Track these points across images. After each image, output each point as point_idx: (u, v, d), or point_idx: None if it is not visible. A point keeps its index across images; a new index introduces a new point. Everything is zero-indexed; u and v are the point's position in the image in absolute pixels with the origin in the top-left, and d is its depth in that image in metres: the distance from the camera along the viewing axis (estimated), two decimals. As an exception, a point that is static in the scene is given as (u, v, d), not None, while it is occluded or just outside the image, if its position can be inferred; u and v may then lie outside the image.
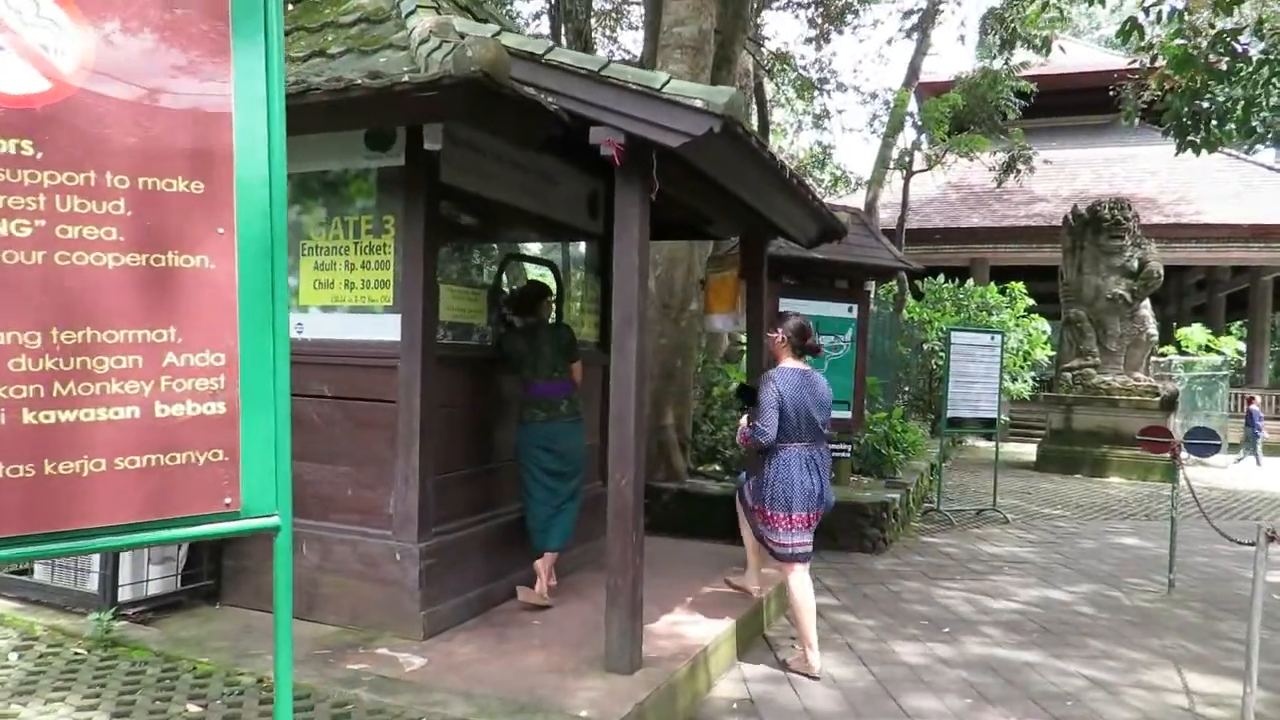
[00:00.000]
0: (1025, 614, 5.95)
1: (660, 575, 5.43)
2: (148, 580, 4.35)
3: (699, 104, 3.39)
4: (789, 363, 4.59)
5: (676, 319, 8.26)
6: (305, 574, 4.45)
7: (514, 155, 5.03)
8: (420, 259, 4.25)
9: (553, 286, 5.45)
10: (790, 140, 26.06)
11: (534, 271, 5.65)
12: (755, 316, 5.78)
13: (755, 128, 18.87)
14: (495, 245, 5.00)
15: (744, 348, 10.37)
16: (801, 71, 18.68)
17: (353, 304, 4.45)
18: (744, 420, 4.69)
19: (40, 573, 4.52)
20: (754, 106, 18.02)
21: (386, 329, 4.35)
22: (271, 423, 1.90)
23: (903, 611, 5.87)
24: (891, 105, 17.14)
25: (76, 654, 3.73)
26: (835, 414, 8.44)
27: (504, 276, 5.46)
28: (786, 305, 8.16)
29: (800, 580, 4.53)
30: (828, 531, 7.50)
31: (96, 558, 4.20)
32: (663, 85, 3.47)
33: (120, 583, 4.23)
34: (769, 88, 19.90)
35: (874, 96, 18.32)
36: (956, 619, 5.76)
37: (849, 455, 8.52)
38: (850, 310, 8.43)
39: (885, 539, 7.63)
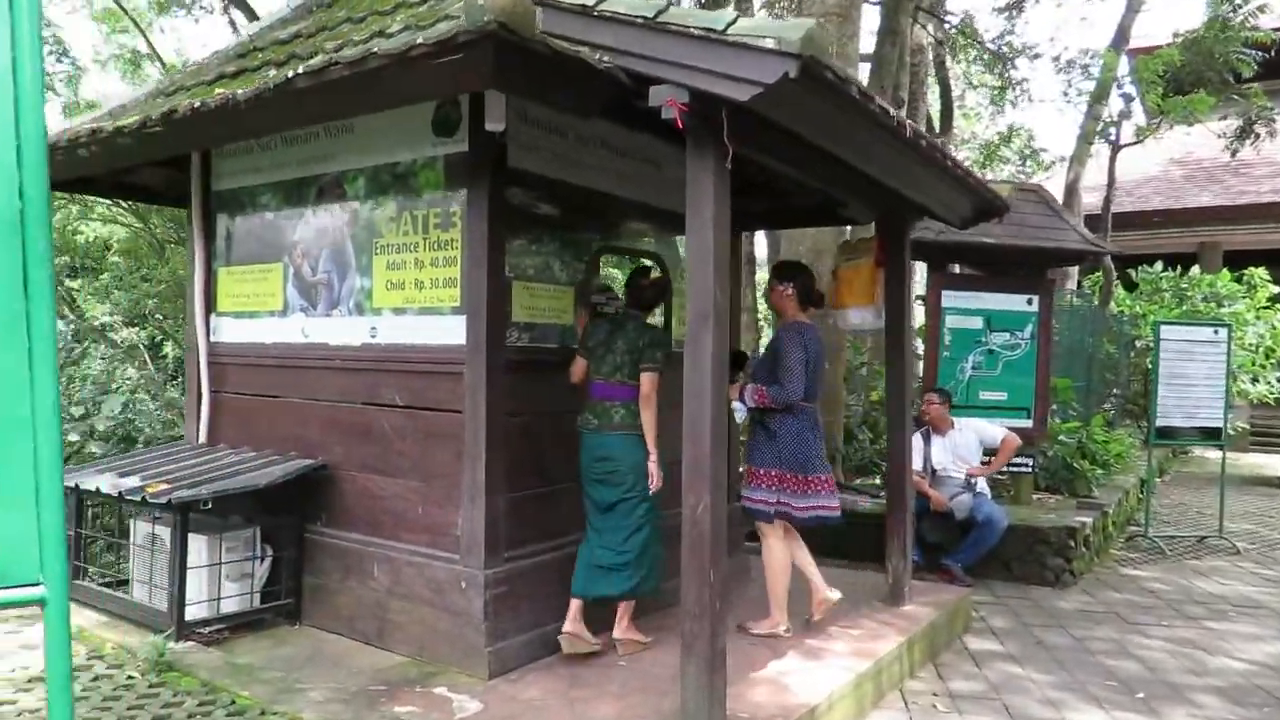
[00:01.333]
0: (1256, 678, 4.73)
1: (792, 609, 4.72)
2: (220, 598, 4.17)
3: (769, 44, 2.71)
4: (800, 317, 4.44)
5: (822, 317, 7.43)
6: (376, 597, 4.13)
7: (607, 136, 4.51)
8: (484, 253, 3.81)
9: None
10: (986, 125, 24.03)
11: (632, 266, 5.10)
12: (897, 310, 4.94)
13: (938, 111, 17.40)
14: (584, 237, 4.50)
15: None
16: (989, 45, 17.00)
17: (422, 305, 4.09)
18: (736, 390, 4.34)
19: (138, 590, 4.47)
20: (931, 88, 16.61)
21: (453, 331, 3.95)
22: (28, 459, 1.39)
23: (1087, 666, 4.82)
24: (1098, 71, 15.25)
25: (128, 679, 3.57)
26: (1012, 422, 7.39)
27: (595, 271, 4.95)
28: (952, 297, 7.19)
29: (781, 546, 4.43)
30: (999, 559, 6.46)
31: (166, 572, 4.06)
32: (727, 26, 2.82)
33: (191, 600, 4.07)
34: (953, 69, 18.33)
35: (1072, 65, 16.36)
36: (1158, 680, 4.64)
37: (1031, 470, 7.36)
38: (1030, 302, 7.28)
39: (1073, 570, 6.46)
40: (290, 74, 3.19)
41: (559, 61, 2.96)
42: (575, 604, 3.92)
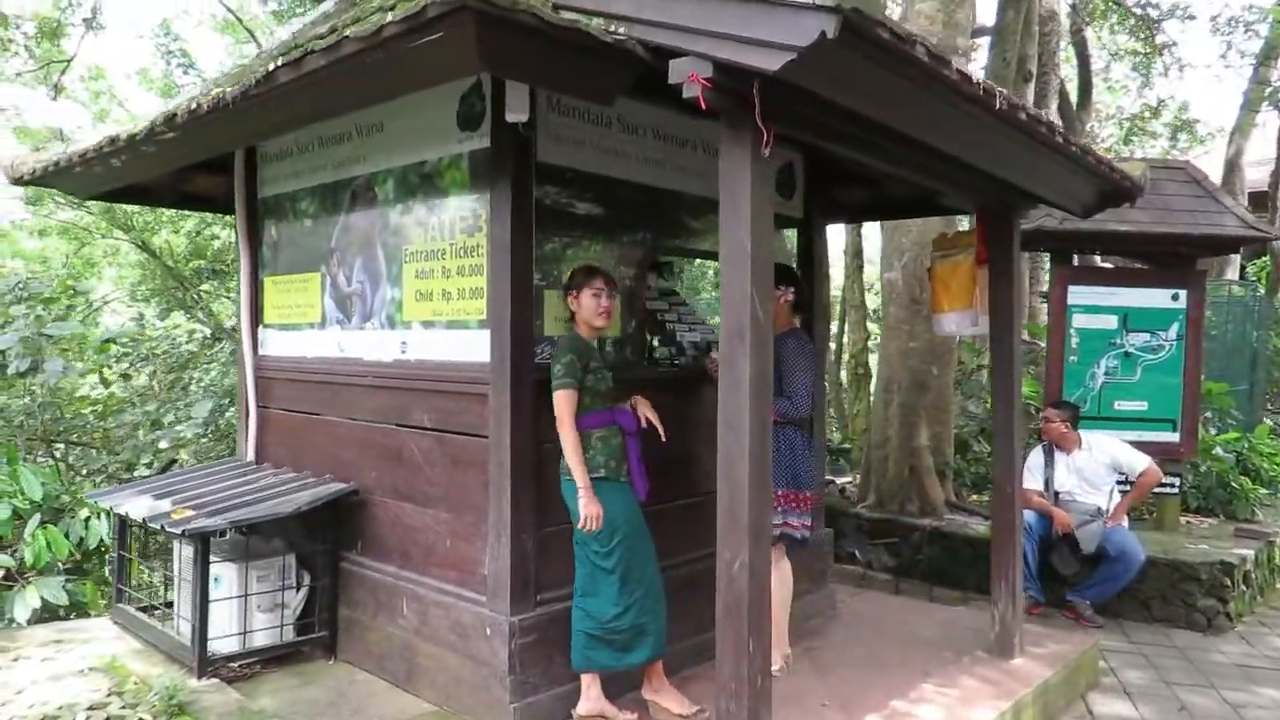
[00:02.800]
0: None
1: (870, 653, 4.12)
2: (247, 631, 3.92)
3: (801, -3, 2.16)
4: (794, 323, 4.07)
5: (930, 317, 6.69)
6: (404, 637, 3.79)
7: (661, 125, 4.03)
8: (507, 259, 3.39)
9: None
10: (1133, 98, 22.01)
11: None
12: (1003, 315, 4.22)
13: (1076, 85, 15.92)
14: (634, 238, 4.01)
15: (1025, 345, 8.41)
16: (1133, 8, 15.41)
17: (450, 318, 3.71)
18: None
19: (182, 619, 4.29)
20: (1068, 59, 15.22)
21: (478, 347, 3.55)
22: None
23: (1243, 740, 4.00)
24: (1266, 29, 13.54)
25: (136, 721, 3.34)
26: (1155, 436, 6.43)
27: (651, 277, 4.46)
28: (1081, 293, 6.33)
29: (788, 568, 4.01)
30: (1137, 596, 5.60)
31: (188, 604, 3.84)
32: (752, -21, 2.28)
33: (219, 634, 3.85)
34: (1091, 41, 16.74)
35: (1233, 23, 14.59)
36: (1337, 765, 3.79)
37: (1177, 490, 6.39)
38: (1175, 298, 6.32)
39: (1229, 613, 5.51)
40: (271, 67, 2.85)
41: (556, 37, 2.50)
42: (585, 678, 3.44)
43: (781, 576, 3.85)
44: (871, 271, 12.45)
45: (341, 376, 4.25)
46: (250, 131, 3.72)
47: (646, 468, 3.48)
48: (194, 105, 3.25)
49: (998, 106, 2.80)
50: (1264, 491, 7.25)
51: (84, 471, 8.07)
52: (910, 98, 2.70)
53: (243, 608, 3.93)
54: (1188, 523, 6.66)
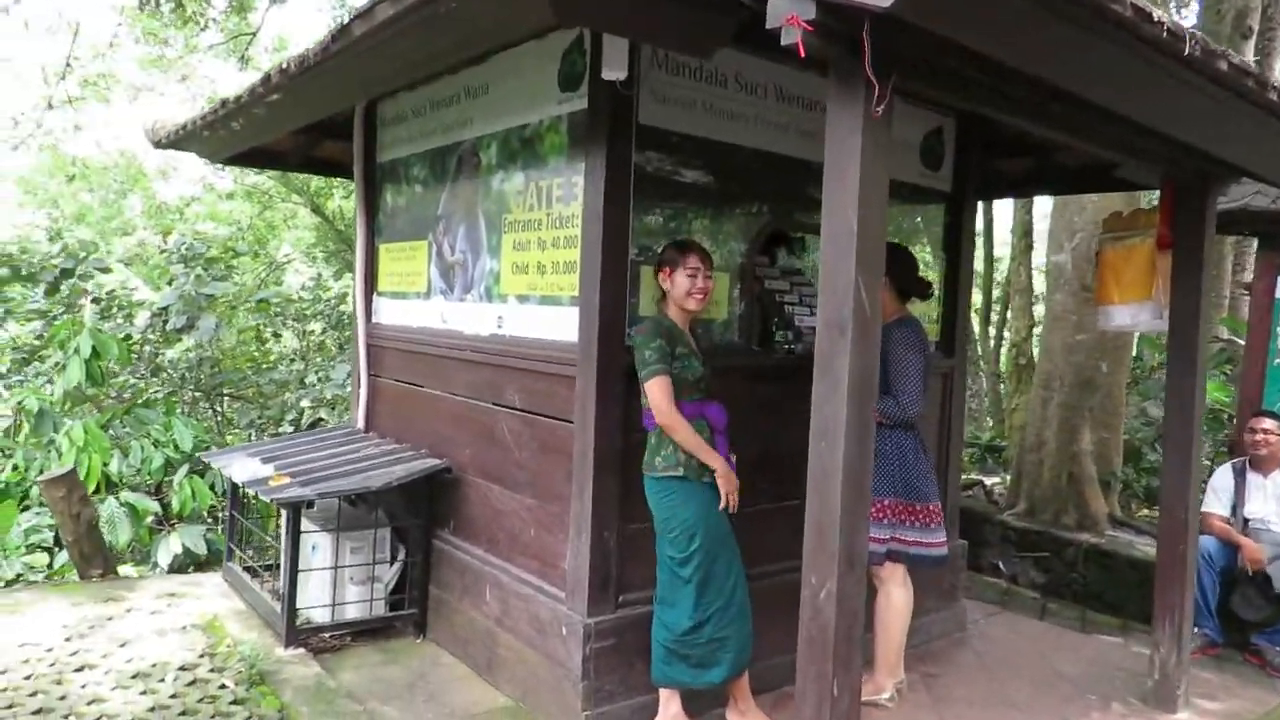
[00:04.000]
0: None
1: (998, 687, 3.63)
2: (336, 604, 3.88)
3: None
4: (902, 312, 3.50)
5: (1078, 306, 5.91)
6: (486, 625, 3.64)
7: (784, 83, 3.62)
8: (599, 230, 3.11)
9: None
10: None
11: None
12: (1188, 308, 3.56)
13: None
14: (748, 210, 3.62)
15: (1222, 343, 7.35)
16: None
17: (544, 293, 3.48)
18: None
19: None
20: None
21: (568, 326, 3.30)
22: None
23: None
24: None
25: (219, 689, 3.34)
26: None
27: (779, 253, 4.06)
28: (1289, 287, 5.38)
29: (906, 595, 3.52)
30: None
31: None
32: (863, -108, 1.86)
33: (310, 604, 3.83)
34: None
35: None
36: None
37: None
38: None
39: None
40: (346, 20, 2.67)
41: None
42: (663, 693, 3.14)
43: (895, 599, 3.41)
44: (1040, 253, 11.38)
45: (443, 348, 4.12)
46: (344, 88, 3.57)
47: (738, 466, 3.13)
48: (284, 65, 3.14)
49: (1187, 53, 2.24)
50: None
51: (240, 425, 8.52)
52: (1069, 42, 2.19)
53: (336, 578, 3.89)
54: None
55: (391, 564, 4.10)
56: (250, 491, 3.95)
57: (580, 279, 3.21)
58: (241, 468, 4.10)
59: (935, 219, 4.44)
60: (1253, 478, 4.92)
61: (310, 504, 3.63)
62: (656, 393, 2.93)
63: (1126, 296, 3.67)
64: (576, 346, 3.21)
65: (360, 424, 4.78)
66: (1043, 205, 10.23)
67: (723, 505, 3.03)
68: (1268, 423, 4.89)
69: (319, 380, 7.97)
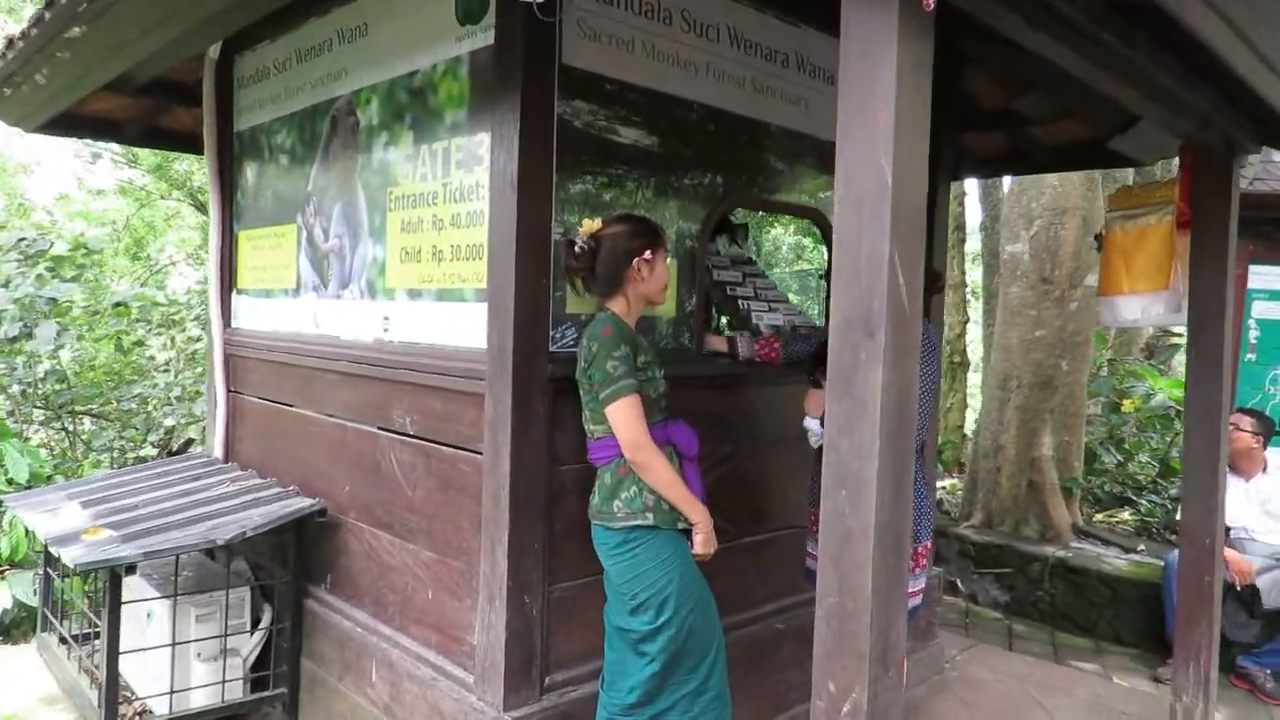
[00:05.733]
0: None
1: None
2: (173, 691, 3.00)
3: None
4: None
5: (1062, 299, 5.44)
6: (373, 715, 2.83)
7: (743, 27, 2.93)
8: (512, 203, 2.35)
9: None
10: None
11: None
12: (1210, 299, 3.03)
13: None
14: (701, 182, 2.92)
15: (1179, 339, 7.06)
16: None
17: (442, 285, 2.70)
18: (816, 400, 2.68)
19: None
20: None
21: (473, 328, 2.53)
22: None
23: None
24: None
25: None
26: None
27: (721, 241, 3.40)
28: (1266, 275, 5.03)
29: None
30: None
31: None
32: None
33: (143, 691, 2.95)
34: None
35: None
36: None
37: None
38: (1391, 284, 4.96)
39: None
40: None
41: None
42: None
43: None
44: (971, 246, 11.09)
45: (317, 359, 3.29)
46: (171, 21, 2.68)
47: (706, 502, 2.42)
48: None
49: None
50: None
51: (96, 447, 7.39)
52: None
53: (175, 656, 3.01)
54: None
55: (252, 632, 3.24)
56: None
57: (488, 267, 2.45)
58: (49, 517, 3.18)
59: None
60: (1233, 482, 4.48)
61: (131, 568, 2.75)
62: (628, 417, 2.18)
63: (1138, 285, 3.11)
64: (485, 354, 2.45)
65: (219, 452, 3.89)
66: (973, 194, 9.89)
67: (696, 548, 2.31)
68: (1241, 419, 4.47)
69: (188, 395, 6.93)
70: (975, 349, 9.58)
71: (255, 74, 3.69)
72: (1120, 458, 6.35)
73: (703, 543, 2.26)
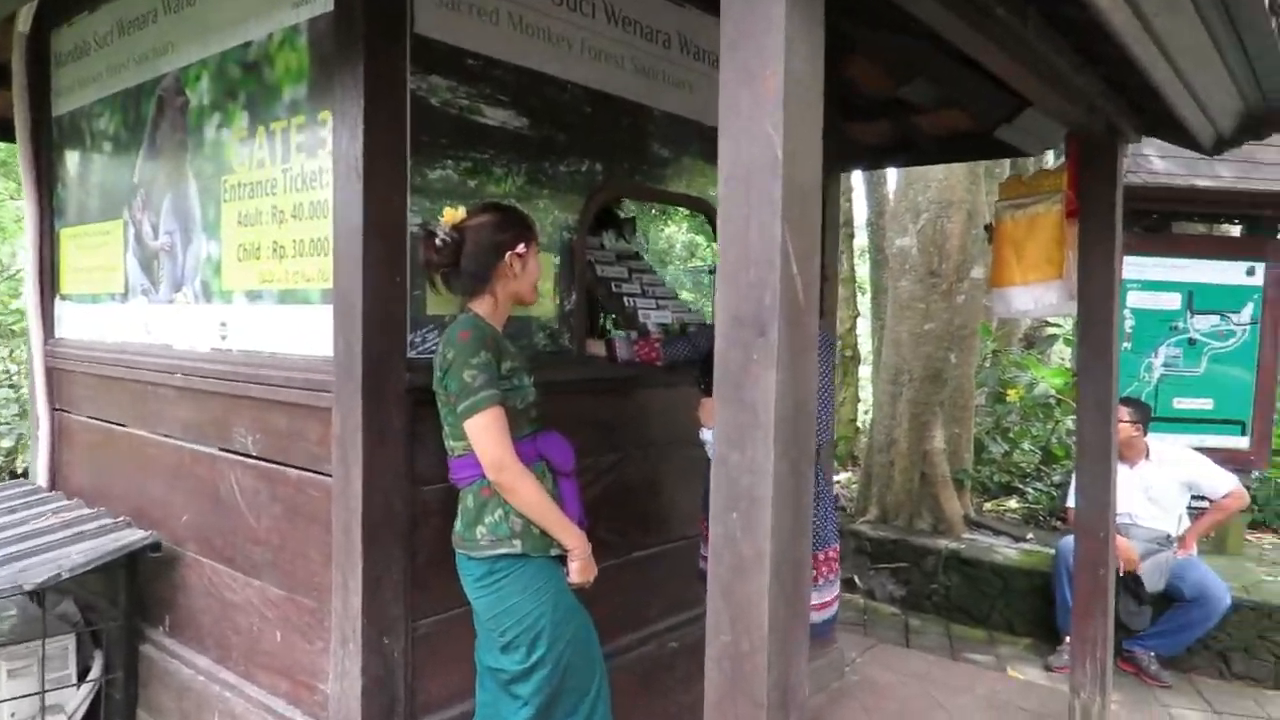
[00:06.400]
0: None
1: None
2: (-24, 762, 2.58)
3: None
4: None
5: (949, 293, 5.46)
6: (216, 775, 2.48)
7: (621, 2, 2.70)
8: (358, 191, 2.06)
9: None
10: None
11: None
12: (1100, 288, 3.00)
13: None
14: (576, 169, 2.69)
15: (1056, 328, 7.25)
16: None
17: (285, 286, 2.38)
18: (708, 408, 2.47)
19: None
20: None
21: (319, 333, 2.23)
22: None
23: None
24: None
25: None
26: (1219, 440, 5.30)
27: (606, 236, 3.19)
28: (1139, 266, 5.15)
29: None
30: (1209, 648, 4.47)
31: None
32: None
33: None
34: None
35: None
36: None
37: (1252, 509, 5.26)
38: (1251, 273, 5.15)
39: (1327, 668, 4.39)
40: None
41: None
42: None
43: None
44: (859, 241, 11.23)
45: (149, 371, 2.90)
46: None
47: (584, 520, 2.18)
48: None
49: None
50: (1329, 502, 6.15)
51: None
52: None
53: (-21, 723, 2.59)
54: (1252, 539, 5.55)
55: (80, 684, 2.83)
56: None
57: (334, 264, 2.15)
58: None
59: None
60: (1119, 469, 4.56)
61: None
62: (489, 433, 1.91)
63: (1030, 276, 3.04)
64: (331, 363, 2.15)
65: (43, 479, 3.43)
66: (859, 189, 9.99)
67: (573, 578, 2.06)
68: (1124, 411, 4.54)
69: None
70: (866, 343, 9.66)
71: (74, 50, 3.26)
72: (1006, 447, 6.45)
73: (579, 570, 2.02)
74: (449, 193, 2.29)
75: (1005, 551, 5.21)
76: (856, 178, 9.92)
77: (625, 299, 3.09)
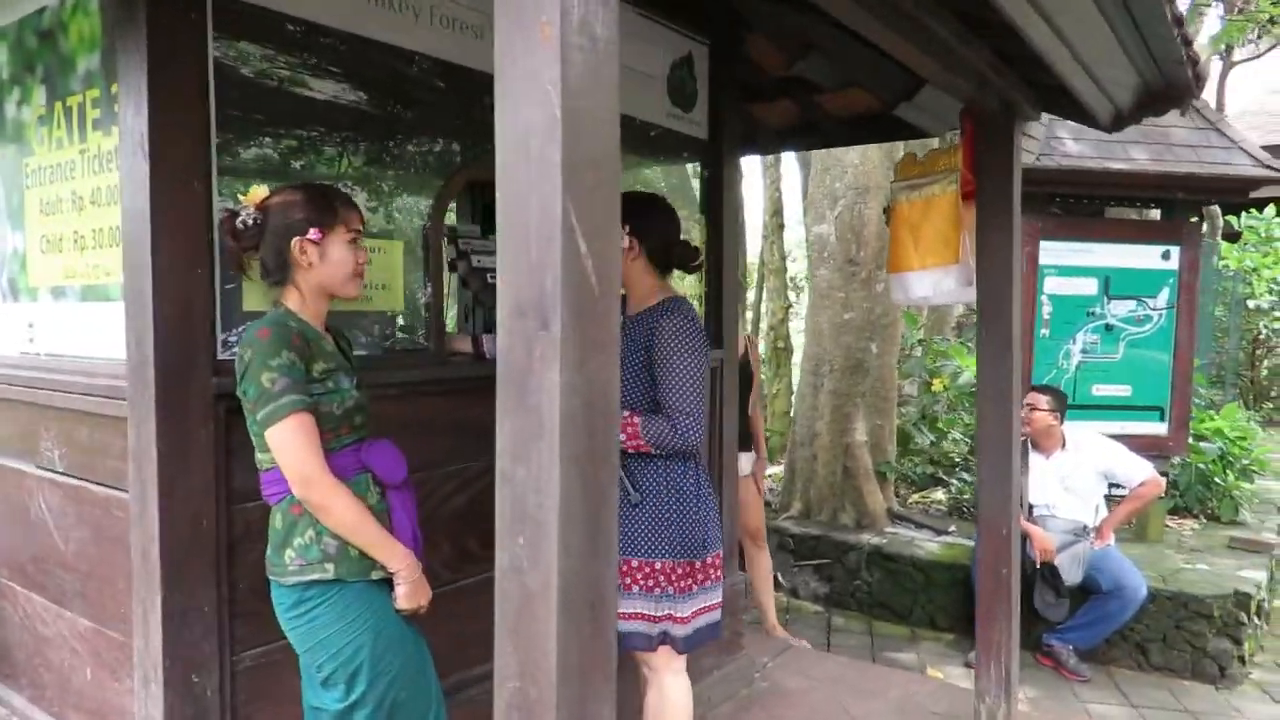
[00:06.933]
0: None
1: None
2: None
3: None
4: (668, 291, 2.37)
5: (869, 280, 5.33)
6: (24, 831, 2.21)
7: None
8: (144, 170, 1.81)
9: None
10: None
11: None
12: (998, 272, 2.86)
13: None
14: (433, 152, 2.46)
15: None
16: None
17: (88, 281, 2.11)
18: None
19: None
20: None
21: (117, 333, 1.97)
22: None
23: None
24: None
25: None
26: (1138, 426, 5.26)
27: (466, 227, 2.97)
28: (1055, 251, 5.07)
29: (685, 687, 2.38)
30: (1128, 639, 4.40)
31: None
32: None
33: None
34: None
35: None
36: None
37: (1167, 495, 5.23)
38: (1166, 257, 5.11)
39: (1243, 657, 4.35)
40: None
41: None
42: None
43: (674, 697, 2.37)
44: (792, 234, 11.12)
45: (-38, 379, 2.60)
46: None
47: (422, 541, 1.96)
48: None
49: None
50: (1248, 487, 6.17)
51: None
52: None
53: None
54: (1171, 525, 5.52)
55: None
56: None
57: (123, 254, 1.89)
58: None
59: (689, 175, 3.50)
60: (1034, 459, 4.48)
61: None
62: (293, 444, 1.67)
63: (927, 260, 2.89)
64: (125, 367, 1.89)
65: None
66: (791, 179, 9.89)
67: (403, 604, 1.83)
68: (1037, 396, 4.45)
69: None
70: (799, 337, 9.56)
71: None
72: (933, 437, 6.36)
73: (408, 595, 1.80)
74: (269, 176, 2.04)
75: (927, 545, 5.10)
76: (789, 166, 9.81)
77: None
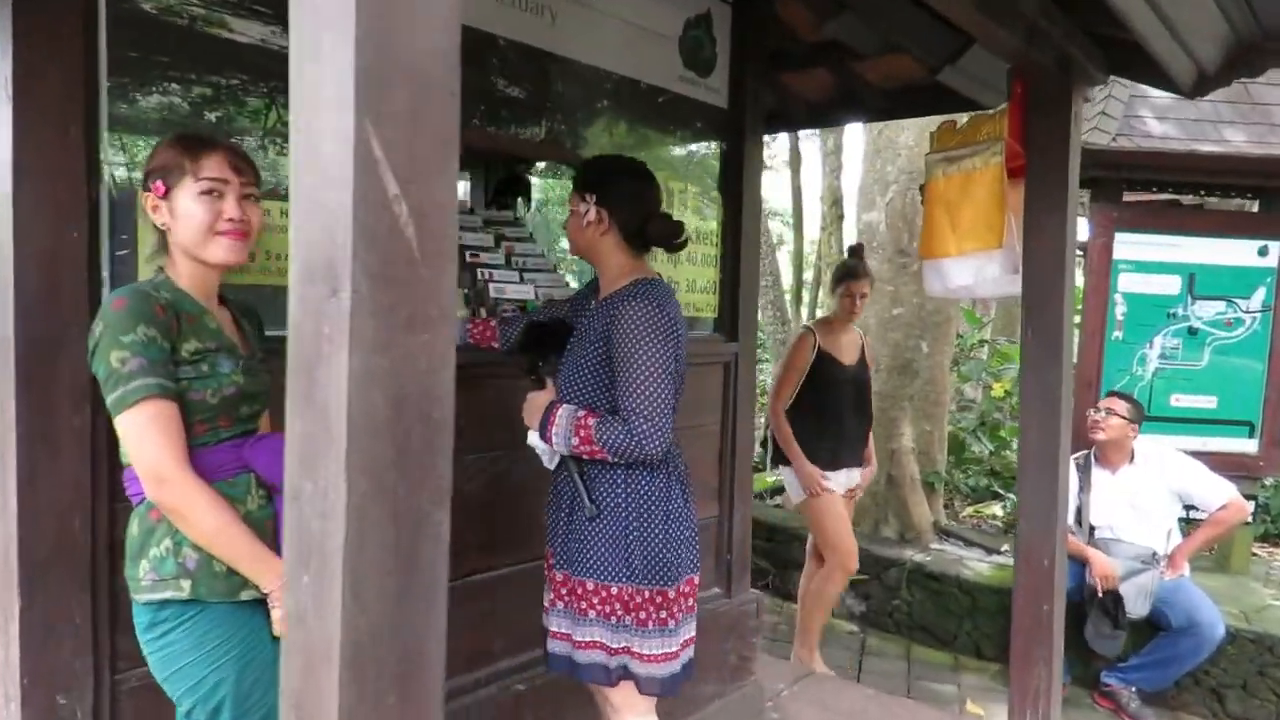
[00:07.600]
0: None
1: None
2: None
3: None
4: (640, 271, 2.01)
5: (920, 274, 4.88)
6: None
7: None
8: (5, 120, 1.57)
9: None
10: None
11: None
12: (1047, 259, 2.44)
13: None
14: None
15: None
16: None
17: (-14, 244, 1.89)
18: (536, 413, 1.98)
19: None
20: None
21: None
22: None
23: None
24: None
25: None
26: (1223, 443, 4.71)
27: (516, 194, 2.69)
28: (1131, 244, 4.56)
29: None
30: (1201, 684, 3.90)
31: None
32: None
33: None
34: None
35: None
36: None
37: (1254, 521, 4.66)
38: (1263, 253, 4.54)
39: (1338, 709, 3.81)
40: None
41: None
42: None
43: None
44: (851, 225, 10.61)
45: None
46: None
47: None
48: None
49: None
50: (1351, 513, 5.52)
51: None
52: None
53: None
54: (1260, 554, 4.95)
55: None
56: None
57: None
58: None
59: (707, 150, 3.16)
60: (1099, 475, 4.00)
61: None
62: (142, 436, 1.41)
63: (965, 245, 2.49)
64: (-8, 342, 1.66)
65: None
66: (853, 169, 9.39)
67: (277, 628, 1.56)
68: (1115, 402, 3.97)
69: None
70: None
71: None
72: (993, 447, 5.87)
73: (284, 618, 1.52)
74: (177, 127, 1.78)
75: (976, 565, 4.66)
76: (851, 153, 9.32)
77: (479, 271, 2.58)
